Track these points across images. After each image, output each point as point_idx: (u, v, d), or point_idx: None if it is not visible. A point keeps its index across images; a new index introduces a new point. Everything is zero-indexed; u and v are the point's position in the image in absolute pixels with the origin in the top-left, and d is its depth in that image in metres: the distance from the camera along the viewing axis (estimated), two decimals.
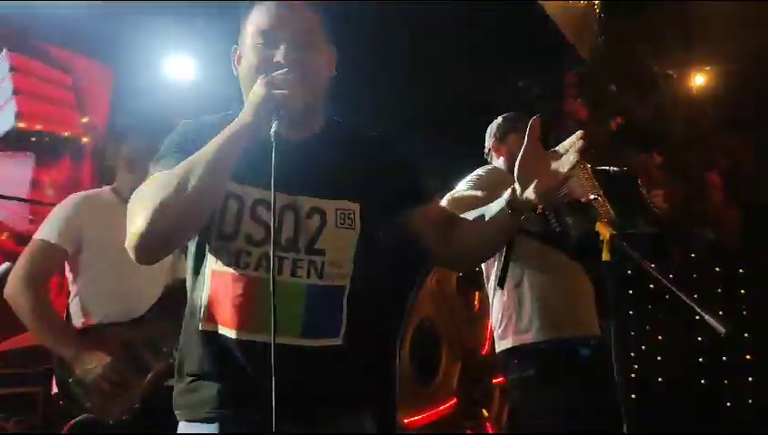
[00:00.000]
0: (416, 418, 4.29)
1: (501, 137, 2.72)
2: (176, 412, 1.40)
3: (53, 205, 2.50)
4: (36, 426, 3.52)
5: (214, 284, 1.35)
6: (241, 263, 1.33)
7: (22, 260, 2.29)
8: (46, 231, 2.30)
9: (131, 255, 1.26)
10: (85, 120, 4.03)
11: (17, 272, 2.26)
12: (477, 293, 5.48)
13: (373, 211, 1.40)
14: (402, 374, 4.18)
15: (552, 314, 2.41)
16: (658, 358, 5.24)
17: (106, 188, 2.51)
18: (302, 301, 1.33)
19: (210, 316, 1.34)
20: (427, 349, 4.59)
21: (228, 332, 1.33)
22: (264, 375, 1.18)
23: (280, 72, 1.28)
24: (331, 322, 1.37)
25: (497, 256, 2.51)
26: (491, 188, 2.48)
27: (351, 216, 1.37)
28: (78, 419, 2.20)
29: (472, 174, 2.60)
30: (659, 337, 5.29)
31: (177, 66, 4.17)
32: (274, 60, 1.33)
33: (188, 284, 1.43)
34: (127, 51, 3.85)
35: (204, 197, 1.23)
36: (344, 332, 1.36)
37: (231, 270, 1.33)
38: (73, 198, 2.40)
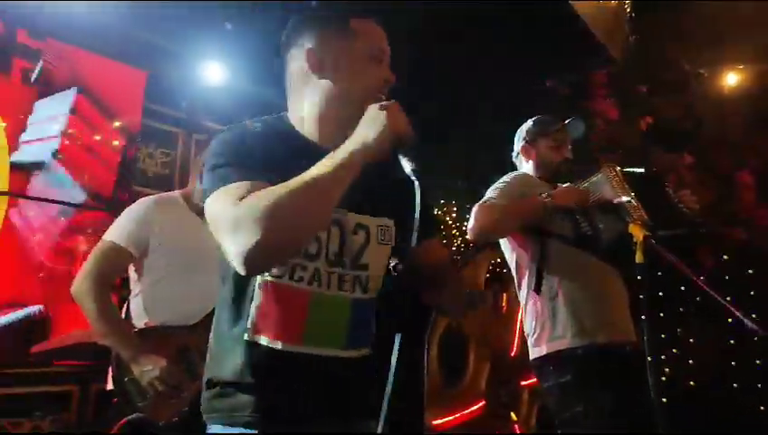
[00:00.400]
0: (444, 419, 4.29)
1: (531, 140, 2.69)
2: (208, 416, 1.40)
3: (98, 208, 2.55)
4: (71, 424, 3.59)
5: (265, 295, 1.36)
6: (295, 276, 1.35)
7: (90, 259, 2.33)
8: (115, 233, 2.35)
9: (240, 266, 1.21)
10: (118, 123, 4.10)
11: (84, 271, 2.30)
12: (504, 294, 5.46)
13: (401, 230, 1.46)
14: (430, 376, 4.18)
15: (587, 320, 2.38)
16: (690, 361, 5.18)
17: (176, 193, 2.55)
18: (347, 314, 1.38)
19: (258, 326, 1.35)
20: (455, 351, 4.58)
21: (275, 343, 1.34)
22: (308, 386, 1.27)
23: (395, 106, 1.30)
24: (369, 333, 1.44)
25: (529, 261, 2.50)
26: (518, 196, 2.47)
27: (390, 232, 1.45)
28: (130, 417, 2.24)
29: (499, 181, 2.58)
30: (690, 340, 5.22)
31: (209, 71, 4.22)
32: (385, 79, 1.41)
33: (228, 293, 1.41)
34: (160, 56, 3.91)
35: (318, 220, 1.26)
36: (373, 341, 1.43)
37: (285, 282, 1.35)
38: (144, 201, 2.44)
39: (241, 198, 1.21)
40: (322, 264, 1.35)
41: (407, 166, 1.30)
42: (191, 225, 2.44)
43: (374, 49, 1.42)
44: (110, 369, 2.31)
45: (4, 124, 3.55)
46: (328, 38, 1.42)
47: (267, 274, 1.35)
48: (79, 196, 3.86)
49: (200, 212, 2.48)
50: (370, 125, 1.27)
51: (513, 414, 4.79)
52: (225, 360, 1.38)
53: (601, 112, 5.27)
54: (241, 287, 1.39)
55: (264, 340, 1.34)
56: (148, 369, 2.22)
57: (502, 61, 4.08)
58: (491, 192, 2.52)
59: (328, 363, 1.33)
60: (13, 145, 3.59)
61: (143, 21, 3.62)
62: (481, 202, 2.45)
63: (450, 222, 6.17)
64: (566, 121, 2.70)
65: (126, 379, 2.25)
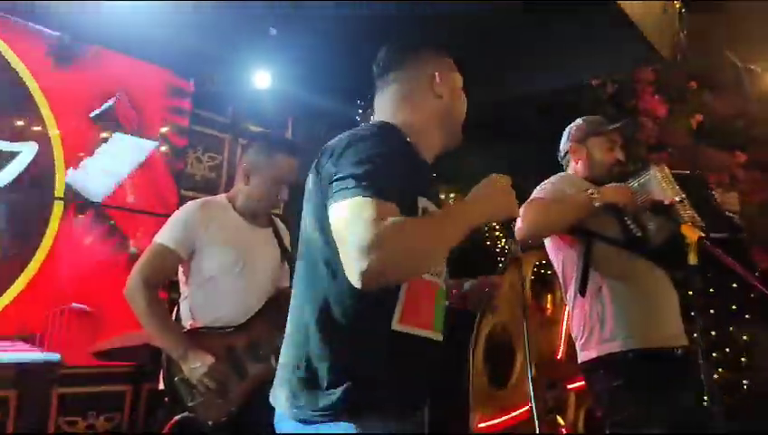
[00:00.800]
0: (490, 423, 4.25)
1: (582, 140, 2.63)
2: (331, 415, 1.38)
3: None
4: (123, 423, 3.69)
5: (411, 288, 1.46)
6: (433, 270, 1.52)
7: (141, 261, 2.39)
8: (164, 235, 2.41)
9: (356, 281, 1.28)
10: (165, 129, 4.19)
11: (135, 273, 2.36)
12: (550, 296, 5.40)
13: None
14: (475, 379, 4.15)
15: (636, 323, 2.33)
16: (741, 360, 5.04)
17: (222, 196, 2.59)
18: (445, 302, 1.61)
19: (406, 317, 1.45)
20: (500, 354, 4.54)
21: (421, 331, 1.49)
22: (433, 371, 1.52)
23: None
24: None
25: (575, 262, 2.47)
26: (561, 193, 2.44)
27: None
28: (180, 417, 2.29)
29: (546, 181, 2.54)
30: (744, 337, 5.08)
31: (255, 76, 4.29)
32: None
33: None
34: (206, 62, 3.99)
35: (432, 263, 1.48)
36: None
37: (425, 276, 1.50)
38: (191, 204, 2.49)
39: (382, 218, 1.28)
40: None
41: (512, 247, 1.50)
42: (237, 227, 2.48)
43: (459, 78, 1.73)
44: (162, 369, 2.36)
45: (58, 132, 3.66)
46: (440, 65, 1.69)
47: None
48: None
49: (245, 214, 2.54)
50: (490, 196, 1.50)
51: (559, 418, 4.72)
52: (364, 354, 1.42)
53: (649, 111, 5.17)
54: None
55: (412, 330, 1.46)
56: (197, 366, 2.26)
57: (546, 60, 4.04)
58: (537, 192, 2.49)
59: (440, 348, 1.55)
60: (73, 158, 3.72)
61: (190, 28, 3.69)
62: (528, 201, 2.43)
63: (494, 223, 6.13)
64: (620, 122, 2.65)
65: (176, 379, 2.30)
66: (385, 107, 1.67)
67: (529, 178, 2.59)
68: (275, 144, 2.56)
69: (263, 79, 4.31)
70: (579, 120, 2.70)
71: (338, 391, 1.38)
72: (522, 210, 2.35)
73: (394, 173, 1.38)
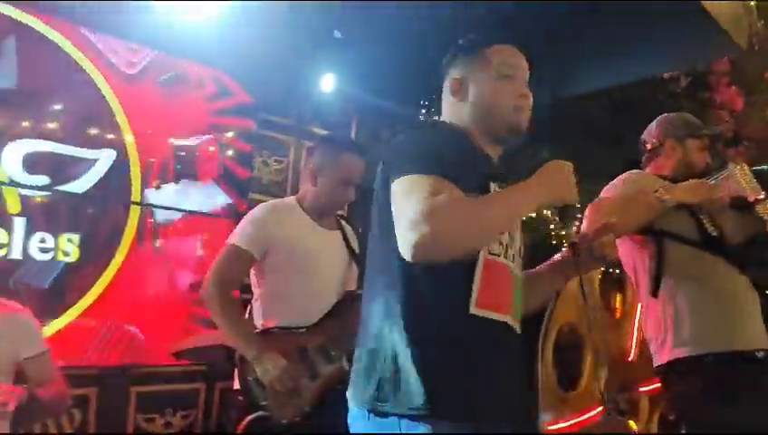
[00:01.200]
0: (559, 425, 4.18)
1: (680, 139, 2.48)
2: (432, 412, 1.36)
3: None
4: (198, 420, 3.80)
5: (486, 270, 1.47)
6: (508, 254, 1.54)
7: (215, 263, 2.46)
8: (237, 237, 2.47)
9: (408, 252, 1.34)
10: (230, 134, 4.29)
11: (210, 274, 2.43)
12: (619, 296, 5.27)
13: None
14: (545, 380, 4.09)
15: (714, 326, 2.24)
16: None
17: (291, 198, 2.65)
18: (520, 288, 1.59)
19: (481, 300, 1.46)
20: (569, 355, 4.46)
21: (500, 316, 1.49)
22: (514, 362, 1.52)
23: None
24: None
25: (646, 264, 2.39)
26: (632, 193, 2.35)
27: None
28: (253, 416, 2.34)
29: (616, 179, 2.47)
30: None
31: (319, 79, 4.34)
32: (520, 93, 1.62)
33: (437, 275, 1.43)
34: (272, 67, 4.05)
35: (485, 241, 1.46)
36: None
37: (499, 259, 1.51)
38: (263, 206, 2.56)
39: (435, 194, 1.34)
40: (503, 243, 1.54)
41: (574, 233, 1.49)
42: (306, 228, 2.52)
43: (503, 68, 1.62)
44: (236, 369, 2.42)
45: (132, 139, 3.80)
46: (467, 66, 1.66)
47: (486, 250, 1.48)
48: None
49: (313, 215, 2.57)
50: (545, 181, 1.49)
51: (631, 422, 4.60)
52: (442, 342, 1.42)
53: (725, 103, 4.96)
54: (463, 265, 1.46)
55: (490, 314, 1.46)
56: (269, 369, 2.30)
57: (618, 53, 3.93)
58: (606, 191, 2.43)
59: (518, 339, 1.55)
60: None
61: (254, 32, 3.75)
62: (596, 200, 2.36)
63: (551, 207, 5.99)
64: (718, 128, 2.57)
65: (250, 379, 2.35)
66: (442, 108, 1.74)
67: (600, 176, 2.53)
68: (342, 145, 2.60)
69: (327, 81, 4.35)
70: (673, 117, 2.57)
71: (419, 387, 1.36)
72: (589, 210, 2.29)
73: (449, 156, 1.44)
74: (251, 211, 2.55)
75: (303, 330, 2.42)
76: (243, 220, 2.53)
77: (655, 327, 2.37)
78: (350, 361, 2.05)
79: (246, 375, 2.36)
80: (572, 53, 3.87)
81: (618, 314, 5.18)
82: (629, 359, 4.80)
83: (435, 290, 1.43)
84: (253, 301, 2.57)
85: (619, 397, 4.64)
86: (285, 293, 2.45)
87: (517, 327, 1.55)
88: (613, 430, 4.45)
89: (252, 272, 2.53)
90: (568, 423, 4.25)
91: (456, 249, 1.37)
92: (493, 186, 1.52)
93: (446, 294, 1.44)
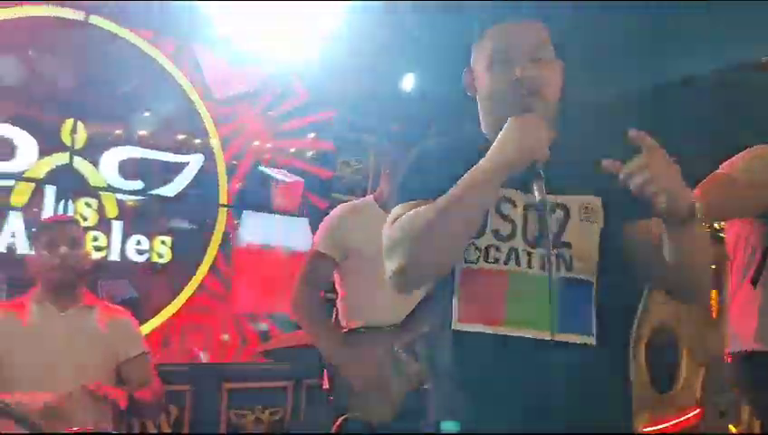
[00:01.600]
0: (655, 428, 4.02)
1: None
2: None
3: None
4: (285, 417, 3.88)
5: (465, 279, 1.37)
6: (490, 258, 1.35)
7: (301, 268, 2.54)
8: (317, 241, 2.53)
9: (392, 287, 1.35)
10: (312, 135, 4.34)
11: (296, 279, 2.51)
12: (716, 293, 5.02)
13: (613, 208, 1.39)
14: (638, 379, 3.94)
15: None
16: None
17: (369, 197, 2.66)
18: (553, 295, 1.30)
19: (464, 314, 1.36)
20: (664, 354, 4.28)
21: (483, 328, 1.33)
22: (518, 372, 1.27)
23: (532, 119, 1.31)
24: (583, 318, 1.34)
25: (753, 249, 2.23)
26: (757, 173, 2.11)
27: (594, 209, 1.38)
28: (345, 416, 2.36)
29: (741, 154, 2.24)
30: None
31: (399, 79, 4.34)
32: (514, 77, 1.37)
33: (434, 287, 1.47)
34: (351, 67, 4.06)
35: (457, 241, 1.32)
36: (597, 330, 1.34)
37: (481, 265, 1.36)
38: (340, 208, 2.61)
39: (394, 220, 1.34)
40: (519, 243, 1.35)
41: (536, 193, 1.29)
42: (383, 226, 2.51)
43: (497, 54, 1.41)
44: (325, 369, 2.44)
45: (219, 142, 3.90)
46: (473, 56, 1.50)
47: (465, 260, 1.36)
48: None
49: None
50: (504, 142, 1.30)
51: (731, 426, 4.37)
52: (440, 359, 1.41)
53: None
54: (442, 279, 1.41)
55: (474, 326, 1.34)
56: (355, 369, 2.32)
57: (710, 37, 3.73)
58: (725, 167, 2.16)
59: (539, 347, 1.29)
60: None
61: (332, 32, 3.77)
62: (713, 175, 2.15)
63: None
64: None
65: (338, 379, 2.37)
66: None
67: (695, 163, 2.37)
68: (414, 142, 2.58)
69: (407, 81, 4.34)
70: None
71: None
72: (703, 185, 2.07)
73: (435, 175, 1.35)
74: (330, 213, 2.59)
75: (389, 329, 2.41)
76: (323, 223, 2.57)
77: (742, 313, 2.22)
78: None
79: (335, 375, 2.37)
80: (662, 39, 3.70)
81: (715, 312, 4.93)
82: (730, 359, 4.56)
83: (426, 310, 1.49)
84: (338, 301, 2.58)
85: (718, 398, 4.42)
86: (368, 293, 2.44)
87: (526, 333, 1.30)
88: (712, 432, 4.26)
89: (335, 273, 2.55)
90: (664, 425, 4.08)
91: (432, 263, 1.32)
92: (512, 192, 1.36)
93: (435, 313, 1.43)
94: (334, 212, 2.58)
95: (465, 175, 1.29)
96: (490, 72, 1.41)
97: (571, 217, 1.36)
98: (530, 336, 1.30)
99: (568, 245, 1.35)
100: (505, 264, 1.34)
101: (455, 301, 1.37)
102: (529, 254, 1.34)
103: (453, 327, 1.36)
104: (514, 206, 1.37)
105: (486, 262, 1.35)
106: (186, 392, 3.54)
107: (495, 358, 1.32)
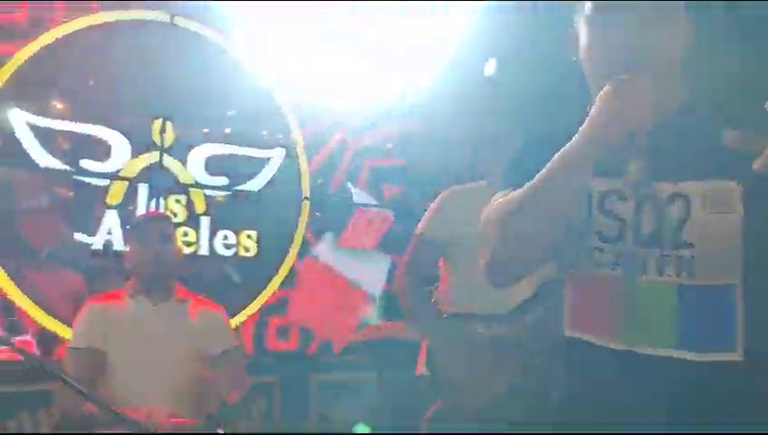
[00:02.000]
0: None
1: None
2: None
3: None
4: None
5: (574, 284, 1.23)
6: (597, 262, 1.18)
7: (407, 252, 2.54)
8: (424, 226, 2.51)
9: (484, 275, 1.28)
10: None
11: (402, 265, 2.54)
12: None
13: (751, 193, 1.10)
14: None
15: None
16: None
17: (483, 182, 2.54)
18: (675, 304, 1.12)
19: (572, 321, 1.23)
20: None
21: (590, 338, 1.19)
22: (621, 387, 1.13)
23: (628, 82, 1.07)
24: (722, 330, 1.12)
25: None
26: None
27: (725, 198, 1.11)
28: (440, 402, 2.35)
29: None
30: None
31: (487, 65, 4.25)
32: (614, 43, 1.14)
33: None
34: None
35: (546, 226, 1.17)
36: (743, 343, 1.11)
37: (588, 271, 1.20)
38: (450, 191, 2.56)
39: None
40: (630, 244, 1.15)
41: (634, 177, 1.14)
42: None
43: (592, 7, 1.19)
44: (423, 355, 2.44)
45: (301, 137, 3.94)
46: (583, 19, 1.25)
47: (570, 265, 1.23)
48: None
49: None
50: (596, 112, 1.08)
51: None
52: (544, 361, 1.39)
53: None
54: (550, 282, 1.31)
55: (582, 336, 1.20)
56: (447, 362, 2.29)
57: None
58: None
59: (659, 365, 1.11)
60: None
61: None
62: None
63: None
64: None
65: (436, 365, 2.36)
66: None
67: None
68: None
69: (489, 66, 4.25)
70: None
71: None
72: None
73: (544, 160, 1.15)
74: (437, 199, 2.55)
75: (492, 318, 2.34)
76: (431, 205, 2.54)
77: None
78: None
79: (433, 362, 2.36)
80: None
81: None
82: None
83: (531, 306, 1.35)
84: (441, 287, 2.57)
85: None
86: (471, 281, 2.39)
87: (634, 347, 1.14)
88: None
89: (443, 259, 2.54)
90: None
91: (519, 258, 1.23)
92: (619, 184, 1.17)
93: (549, 315, 1.36)
94: (443, 194, 2.54)
95: (557, 154, 1.12)
96: (587, 31, 1.20)
97: (692, 210, 1.12)
98: (649, 353, 1.12)
99: (688, 245, 1.12)
100: (613, 269, 1.17)
101: (564, 307, 1.24)
102: (643, 257, 1.15)
103: (567, 333, 1.23)
104: (624, 200, 1.16)
105: (594, 267, 1.18)
106: (275, 383, 3.61)
107: (618, 374, 1.15)
